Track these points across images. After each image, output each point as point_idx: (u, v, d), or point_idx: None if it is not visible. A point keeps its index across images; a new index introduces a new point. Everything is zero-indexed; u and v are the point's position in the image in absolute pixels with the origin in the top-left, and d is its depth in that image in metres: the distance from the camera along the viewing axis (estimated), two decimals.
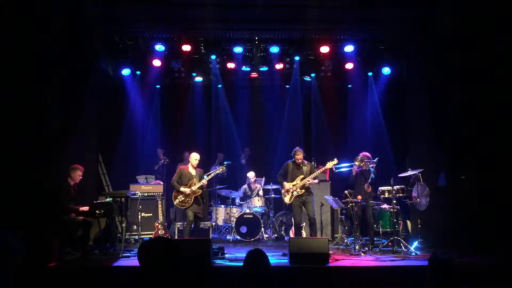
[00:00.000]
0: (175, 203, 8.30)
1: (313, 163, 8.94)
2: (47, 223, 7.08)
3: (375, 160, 8.24)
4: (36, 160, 7.18)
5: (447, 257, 3.39)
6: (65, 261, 6.89)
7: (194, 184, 8.22)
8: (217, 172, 8.68)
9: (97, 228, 7.87)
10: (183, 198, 8.19)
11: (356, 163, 8.41)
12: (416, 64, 9.65)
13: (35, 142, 7.13)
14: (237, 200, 10.57)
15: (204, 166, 8.87)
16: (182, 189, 8.17)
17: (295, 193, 8.17)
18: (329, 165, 8.23)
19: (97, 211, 7.47)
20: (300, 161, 8.30)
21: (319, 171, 8.31)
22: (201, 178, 8.37)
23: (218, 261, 7.03)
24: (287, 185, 8.27)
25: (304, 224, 8.60)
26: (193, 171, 8.40)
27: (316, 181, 8.30)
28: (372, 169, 8.22)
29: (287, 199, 8.32)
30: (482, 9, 7.43)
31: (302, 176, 8.21)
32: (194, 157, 8.44)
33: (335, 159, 8.26)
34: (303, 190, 8.16)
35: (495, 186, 7.56)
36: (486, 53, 7.65)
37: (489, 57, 7.61)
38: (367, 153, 8.59)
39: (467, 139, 8.16)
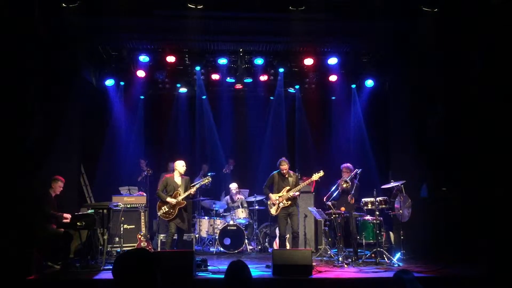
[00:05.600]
0: (159, 213, 8.23)
1: (297, 174, 8.95)
2: (27, 235, 6.97)
3: (358, 171, 8.29)
4: (16, 171, 7.08)
5: (409, 275, 3.44)
6: (44, 274, 6.77)
7: (179, 194, 8.16)
8: (202, 183, 8.61)
9: (78, 240, 7.76)
10: (167, 209, 8.12)
11: (344, 185, 8.41)
12: (398, 76, 9.77)
13: (16, 152, 7.03)
14: (223, 203, 10.43)
15: (188, 177, 8.83)
16: (168, 199, 8.11)
17: (281, 204, 8.15)
18: (315, 177, 8.22)
19: (79, 223, 7.37)
20: (285, 171, 8.29)
21: (304, 183, 8.31)
22: (187, 187, 8.29)
23: (201, 274, 6.97)
24: (273, 196, 8.25)
25: (288, 235, 8.59)
26: (178, 180, 8.32)
27: (297, 193, 8.28)
28: (356, 181, 8.30)
29: (273, 211, 8.30)
30: (462, 24, 7.59)
31: (288, 188, 8.20)
32: (182, 165, 8.37)
33: (321, 171, 8.26)
34: (289, 202, 8.15)
35: (477, 197, 7.65)
36: (467, 66, 7.80)
37: (469, 68, 7.76)
38: (348, 165, 8.63)
39: (449, 150, 8.27)
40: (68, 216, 7.61)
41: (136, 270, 2.49)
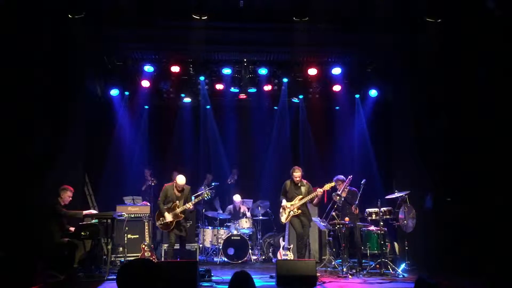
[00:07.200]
0: (157, 224, 8.24)
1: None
2: (32, 244, 6.98)
3: (362, 182, 8.18)
4: (20, 180, 7.11)
5: (434, 281, 3.39)
6: (48, 284, 6.76)
7: (178, 207, 8.14)
8: (201, 198, 8.53)
9: (82, 250, 7.76)
10: (165, 221, 8.14)
11: (337, 198, 8.30)
12: (401, 86, 9.79)
13: (20, 162, 7.07)
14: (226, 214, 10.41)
15: (192, 187, 8.82)
16: (166, 214, 8.12)
17: (292, 212, 8.06)
18: (327, 187, 8.06)
19: (83, 233, 7.38)
20: (298, 179, 8.19)
21: (315, 193, 8.08)
22: (187, 198, 8.29)
23: (205, 284, 6.97)
24: (285, 203, 8.17)
25: (292, 246, 8.55)
26: (177, 193, 8.30)
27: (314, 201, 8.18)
28: (354, 189, 8.29)
29: (283, 219, 8.21)
30: (464, 33, 7.61)
31: (300, 197, 8.11)
32: (179, 181, 8.27)
33: (333, 181, 8.17)
34: (299, 211, 8.06)
35: (481, 208, 7.63)
36: (468, 74, 7.82)
37: (472, 79, 7.78)
38: (338, 176, 8.54)
39: (452, 160, 8.25)
40: (89, 212, 7.86)
41: (140, 280, 2.50)
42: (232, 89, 10.78)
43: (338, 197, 8.24)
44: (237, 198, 10.52)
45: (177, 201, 8.19)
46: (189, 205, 8.20)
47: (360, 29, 8.35)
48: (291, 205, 8.11)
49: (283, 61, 10.22)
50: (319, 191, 8.04)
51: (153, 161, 11.60)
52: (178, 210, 8.12)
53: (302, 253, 8.14)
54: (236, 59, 10.13)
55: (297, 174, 8.20)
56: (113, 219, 7.90)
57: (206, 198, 8.63)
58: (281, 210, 8.33)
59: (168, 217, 8.11)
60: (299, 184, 8.23)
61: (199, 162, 12.02)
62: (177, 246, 8.27)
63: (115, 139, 10.97)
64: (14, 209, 7.19)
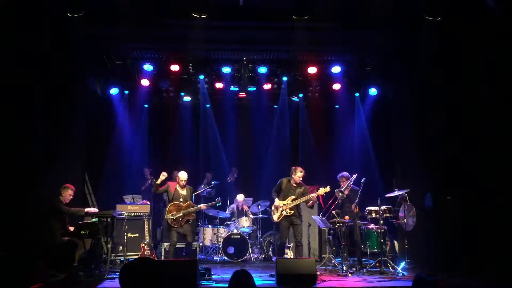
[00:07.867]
0: (167, 216, 8.12)
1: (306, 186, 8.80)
2: (32, 243, 6.99)
3: (362, 180, 8.17)
4: (20, 180, 7.11)
5: (432, 278, 3.39)
6: (48, 283, 6.77)
7: (187, 207, 8.18)
8: (211, 204, 8.70)
9: (82, 249, 7.76)
10: (176, 217, 8.07)
11: (340, 195, 8.29)
12: (401, 85, 9.79)
13: (20, 162, 7.07)
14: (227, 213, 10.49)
15: (192, 186, 8.83)
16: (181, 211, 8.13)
17: (284, 212, 7.99)
18: (321, 191, 7.95)
19: (83, 232, 7.37)
20: (299, 179, 8.07)
21: (310, 195, 7.96)
22: (191, 196, 8.37)
23: (205, 283, 6.97)
24: (278, 202, 8.10)
25: (292, 244, 8.55)
26: (182, 191, 8.31)
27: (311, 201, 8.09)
28: (356, 188, 8.29)
29: (275, 217, 8.14)
30: (463, 32, 7.62)
31: (293, 197, 8.00)
32: (181, 178, 8.33)
33: (328, 186, 8.04)
34: (292, 211, 7.99)
35: (481, 207, 7.64)
36: (468, 73, 7.83)
37: (471, 78, 7.79)
38: (343, 173, 8.56)
39: (452, 159, 8.26)
40: (90, 210, 7.85)
41: (142, 279, 2.52)
42: (232, 88, 10.80)
43: (340, 194, 8.25)
44: (240, 197, 10.53)
45: (186, 201, 8.24)
46: (203, 206, 8.51)
47: (360, 27, 8.35)
48: (283, 204, 8.00)
49: (283, 60, 10.21)
50: (313, 196, 7.94)
51: (153, 160, 11.60)
52: (191, 209, 8.20)
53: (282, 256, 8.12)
54: (235, 57, 10.13)
55: (300, 175, 8.04)
56: (113, 218, 7.90)
57: (210, 192, 8.74)
58: (273, 208, 8.23)
59: (182, 210, 8.15)
60: (296, 185, 8.15)
61: (198, 160, 12.03)
62: (178, 245, 8.26)
63: (115, 138, 10.98)
64: (15, 208, 7.20)
